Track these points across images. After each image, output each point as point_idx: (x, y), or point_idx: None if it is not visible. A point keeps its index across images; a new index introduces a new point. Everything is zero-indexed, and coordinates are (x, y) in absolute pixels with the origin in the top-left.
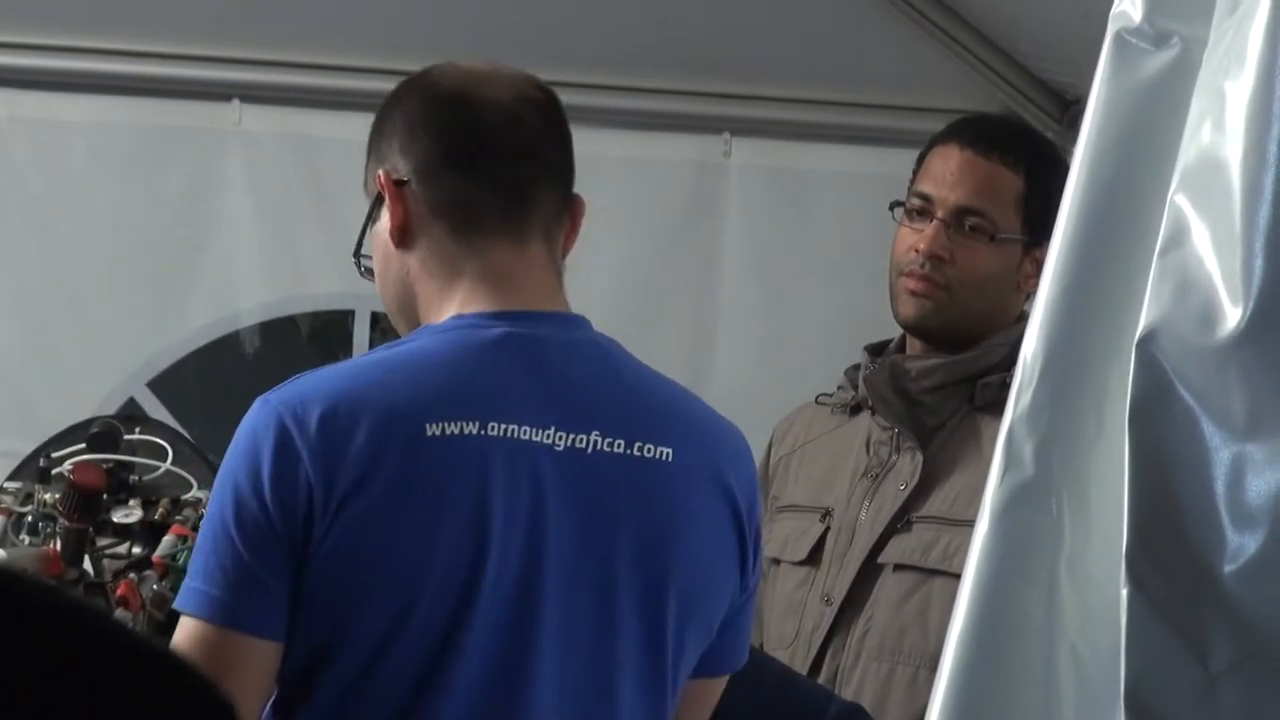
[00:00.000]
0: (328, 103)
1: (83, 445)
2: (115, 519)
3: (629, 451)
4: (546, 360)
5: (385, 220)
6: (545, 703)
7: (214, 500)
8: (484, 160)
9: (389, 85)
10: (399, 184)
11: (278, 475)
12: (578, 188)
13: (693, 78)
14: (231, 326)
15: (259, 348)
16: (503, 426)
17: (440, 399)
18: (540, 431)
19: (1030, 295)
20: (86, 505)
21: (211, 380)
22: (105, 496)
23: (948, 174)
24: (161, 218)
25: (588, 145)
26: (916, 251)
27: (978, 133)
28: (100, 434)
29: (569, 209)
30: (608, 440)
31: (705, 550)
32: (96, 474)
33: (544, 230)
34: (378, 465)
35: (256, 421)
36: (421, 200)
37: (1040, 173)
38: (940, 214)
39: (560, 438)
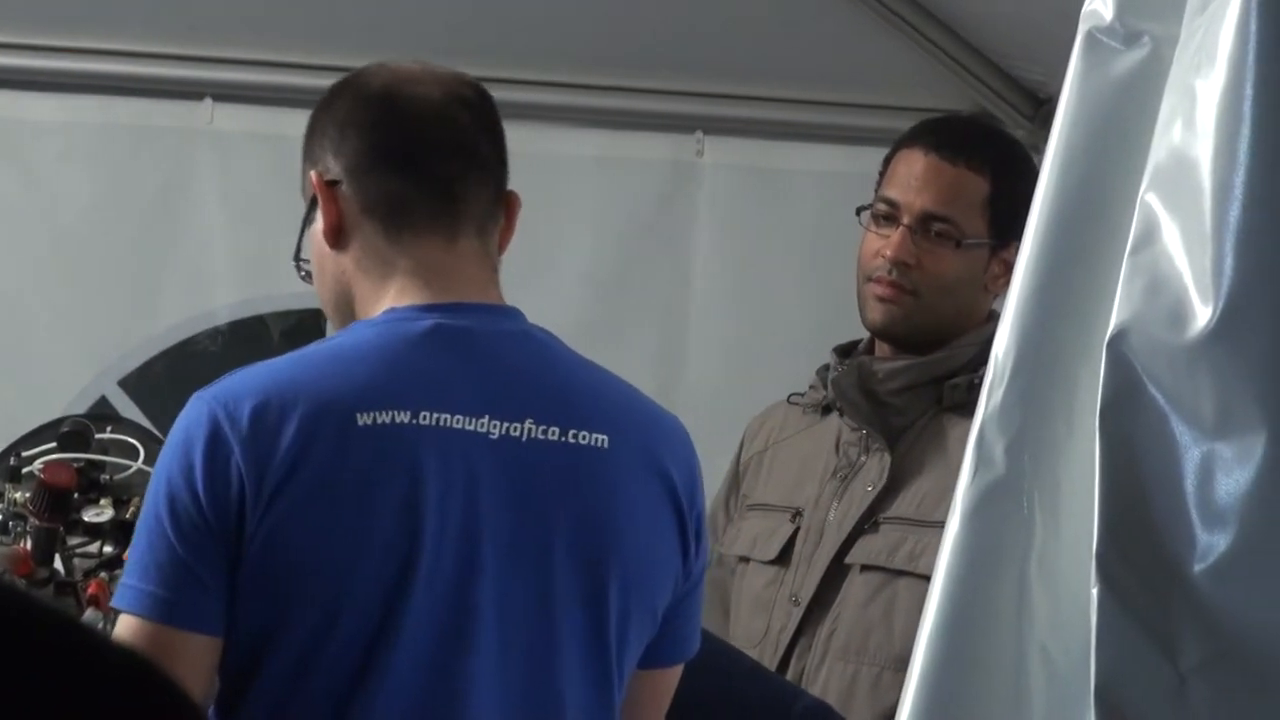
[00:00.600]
0: (300, 101)
1: (53, 444)
2: (86, 518)
3: (563, 439)
4: (478, 350)
5: (320, 222)
6: (484, 693)
7: (149, 497)
8: (414, 158)
9: None
10: (331, 184)
11: (210, 470)
12: (550, 187)
13: (665, 76)
14: (203, 325)
15: (231, 347)
16: (435, 416)
17: (371, 389)
18: (473, 420)
19: (999, 295)
20: (57, 504)
21: (183, 379)
22: (76, 495)
23: (913, 179)
24: (133, 217)
25: (560, 144)
26: (883, 257)
27: (942, 136)
28: (71, 433)
29: (503, 205)
30: (542, 428)
31: (644, 536)
32: (67, 473)
33: (477, 226)
34: (308, 456)
35: (190, 418)
36: (353, 200)
37: (1006, 175)
38: (906, 220)
39: (494, 426)
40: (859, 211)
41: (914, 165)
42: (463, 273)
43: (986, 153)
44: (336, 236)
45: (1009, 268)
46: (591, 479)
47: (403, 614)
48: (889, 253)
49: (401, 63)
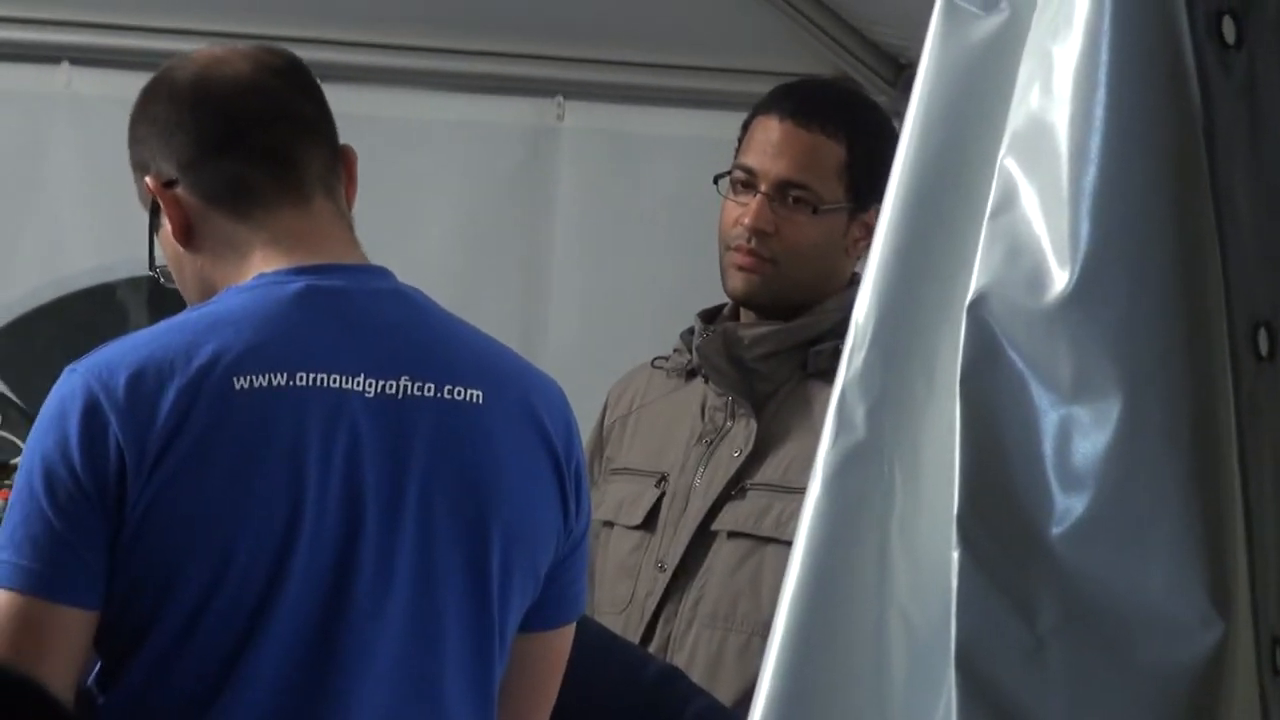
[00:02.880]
0: (158, 66)
1: None
2: None
3: (439, 395)
4: (351, 309)
5: (169, 225)
6: (364, 654)
7: (22, 472)
8: (242, 136)
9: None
10: (168, 185)
11: (87, 443)
12: (412, 151)
13: (525, 40)
14: (61, 291)
15: (91, 312)
16: (312, 376)
17: (246, 353)
18: (350, 379)
19: (860, 258)
20: None
21: (41, 345)
22: None
23: (769, 146)
24: None
25: (419, 108)
26: (742, 225)
27: (798, 102)
28: None
29: (341, 161)
30: (417, 385)
31: (524, 489)
32: None
33: (323, 186)
34: (187, 424)
35: (64, 391)
36: (194, 195)
37: (862, 139)
38: (763, 187)
39: (370, 384)
40: (716, 179)
41: (770, 132)
42: (324, 234)
43: (842, 117)
44: (188, 235)
45: (870, 231)
46: (469, 435)
47: (286, 578)
48: (747, 221)
49: (203, 50)
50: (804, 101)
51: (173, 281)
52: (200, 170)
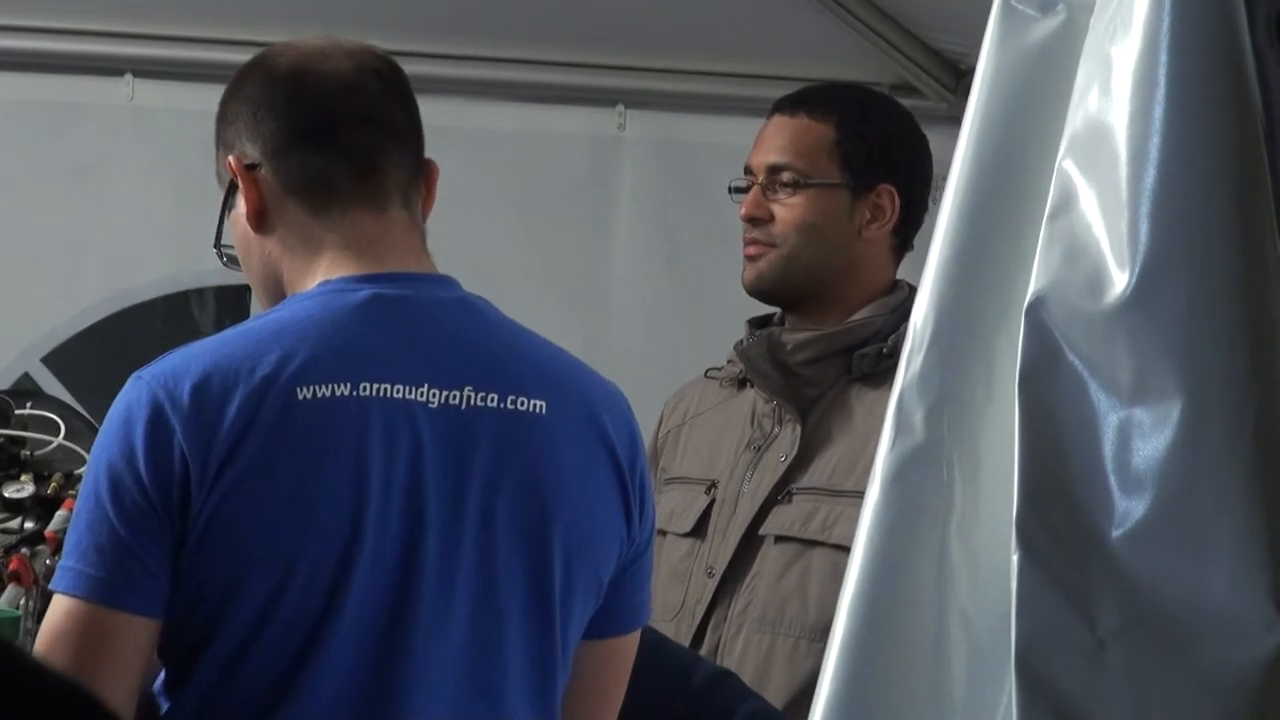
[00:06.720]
0: (221, 77)
1: None
2: (6, 494)
3: (502, 405)
4: (415, 319)
5: (242, 205)
6: (428, 662)
7: (88, 480)
8: (331, 132)
9: None
10: (250, 168)
11: (152, 450)
12: (473, 161)
13: (586, 50)
14: (128, 302)
15: (156, 324)
16: (375, 386)
17: (310, 363)
18: (413, 389)
19: (882, 243)
20: None
21: (107, 356)
22: None
23: (761, 142)
24: (55, 194)
25: (482, 118)
26: (742, 219)
27: (788, 99)
28: None
29: (423, 174)
30: (481, 395)
31: (587, 499)
32: None
33: (402, 196)
34: (251, 433)
35: (129, 399)
36: (274, 181)
37: (853, 119)
38: (758, 178)
39: (434, 395)
40: (731, 191)
41: (764, 130)
42: (394, 242)
43: (831, 102)
44: (260, 220)
45: (883, 211)
46: (532, 445)
47: (348, 588)
48: (742, 211)
49: (307, 40)
50: (794, 96)
51: (236, 265)
52: (285, 160)
